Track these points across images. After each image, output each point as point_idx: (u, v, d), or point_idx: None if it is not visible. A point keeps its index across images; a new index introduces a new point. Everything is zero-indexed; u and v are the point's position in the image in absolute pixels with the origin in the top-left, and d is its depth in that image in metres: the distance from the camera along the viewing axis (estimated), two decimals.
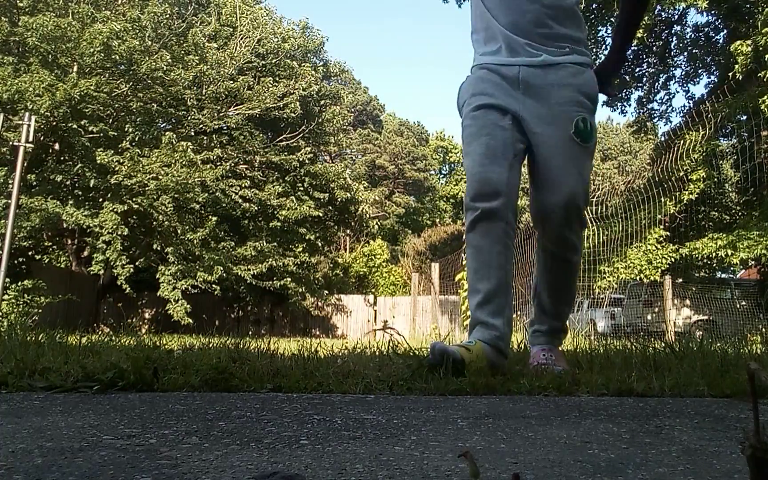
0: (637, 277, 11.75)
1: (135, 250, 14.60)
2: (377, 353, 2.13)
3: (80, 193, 13.65)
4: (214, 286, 14.57)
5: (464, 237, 2.04)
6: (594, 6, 16.31)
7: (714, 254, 11.74)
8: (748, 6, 13.52)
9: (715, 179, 12.61)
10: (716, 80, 16.09)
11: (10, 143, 11.84)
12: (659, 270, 11.63)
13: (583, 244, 2.04)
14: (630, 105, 18.51)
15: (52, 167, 13.27)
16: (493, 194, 1.87)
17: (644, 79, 18.17)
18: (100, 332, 5.43)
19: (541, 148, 1.92)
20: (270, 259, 16.21)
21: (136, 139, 14.04)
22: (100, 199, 13.33)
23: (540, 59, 1.92)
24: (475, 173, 1.93)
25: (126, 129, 14.21)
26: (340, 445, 0.83)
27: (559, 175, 1.89)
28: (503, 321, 1.85)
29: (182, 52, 14.90)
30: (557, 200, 1.88)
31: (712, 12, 15.17)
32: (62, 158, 13.95)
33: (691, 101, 17.69)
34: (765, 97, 10.52)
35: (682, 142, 10.59)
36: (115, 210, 12.77)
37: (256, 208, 16.66)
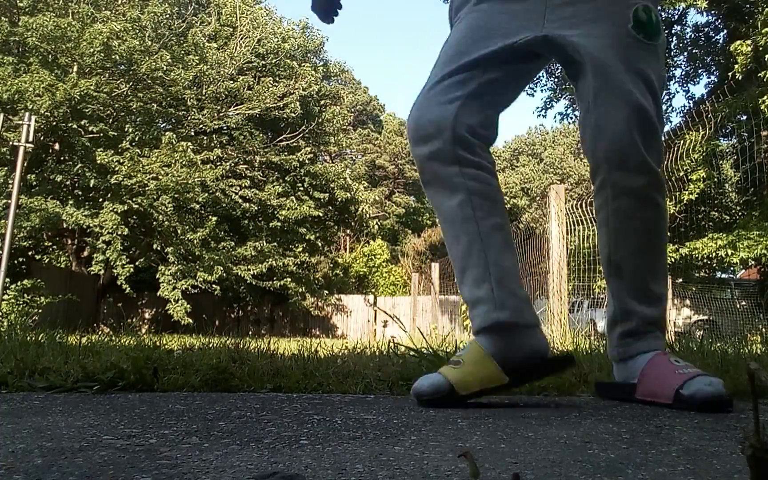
0: None
1: (135, 250, 14.60)
2: (377, 353, 2.13)
3: (80, 193, 13.66)
4: (214, 286, 14.57)
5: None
6: None
7: (714, 254, 11.75)
8: (748, 6, 13.53)
9: (715, 179, 12.61)
10: (716, 80, 16.10)
11: (10, 143, 11.84)
12: None
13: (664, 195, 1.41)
14: None
15: (52, 167, 13.28)
16: (436, 132, 1.36)
17: None
18: (100, 332, 5.43)
19: (586, 58, 1.33)
20: (270, 259, 16.21)
21: (136, 139, 14.04)
22: (100, 199, 13.33)
23: None
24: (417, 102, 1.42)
25: (126, 129, 14.21)
26: (340, 445, 0.83)
27: (618, 84, 1.31)
28: (489, 285, 1.33)
29: (182, 52, 14.90)
30: (620, 116, 1.30)
31: (712, 12, 15.17)
32: (62, 158, 13.96)
33: (691, 101, 17.71)
34: (765, 97, 10.53)
35: (682, 142, 10.58)
36: (115, 210, 12.77)
37: (256, 208, 16.67)
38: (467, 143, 1.37)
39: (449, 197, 1.37)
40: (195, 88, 15.30)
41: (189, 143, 13.79)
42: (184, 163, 13.36)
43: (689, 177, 11.53)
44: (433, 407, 1.22)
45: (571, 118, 18.84)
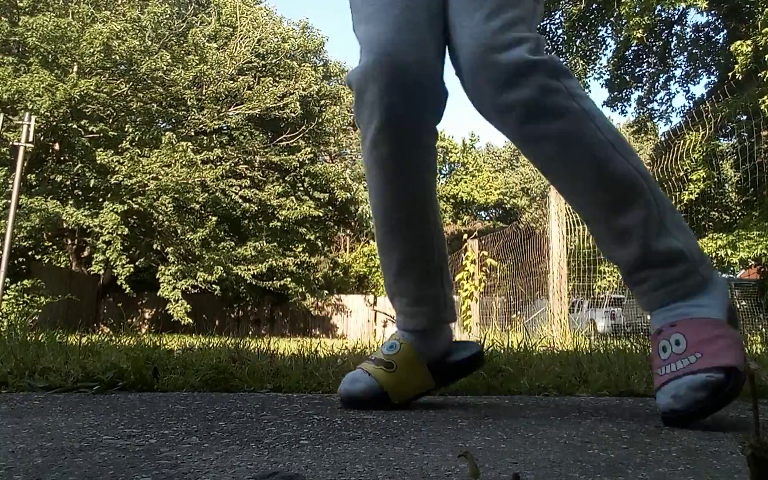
0: None
1: (135, 250, 14.61)
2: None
3: (80, 193, 13.66)
4: (214, 286, 14.58)
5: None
6: (594, 6, 16.31)
7: (714, 254, 11.74)
8: (748, 6, 13.53)
9: (715, 179, 12.61)
10: (716, 80, 16.10)
11: (10, 143, 11.85)
12: None
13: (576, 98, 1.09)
14: (630, 105, 18.53)
15: (52, 167, 13.28)
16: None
17: (644, 79, 18.19)
18: (100, 332, 5.43)
19: None
20: (270, 259, 16.22)
21: (136, 139, 14.04)
22: (100, 199, 13.34)
23: None
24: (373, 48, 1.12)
25: (126, 129, 14.22)
26: (340, 445, 0.83)
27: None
28: (440, 282, 1.22)
29: (182, 52, 14.91)
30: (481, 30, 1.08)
31: (712, 12, 15.18)
32: (62, 158, 13.96)
33: (691, 101, 17.71)
34: (765, 97, 10.53)
35: (682, 142, 10.58)
36: (115, 210, 12.78)
37: (256, 208, 16.68)
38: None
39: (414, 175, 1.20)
40: (195, 88, 15.30)
41: (189, 143, 13.79)
42: (184, 163, 13.36)
43: (689, 177, 11.53)
44: (362, 409, 1.15)
45: None
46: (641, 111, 18.54)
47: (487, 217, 35.12)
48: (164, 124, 15.49)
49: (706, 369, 0.95)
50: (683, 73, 17.99)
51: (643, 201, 1.08)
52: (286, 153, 17.84)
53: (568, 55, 17.58)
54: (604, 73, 18.18)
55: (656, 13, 14.05)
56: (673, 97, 19.14)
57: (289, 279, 17.05)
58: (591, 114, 1.09)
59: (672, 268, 1.07)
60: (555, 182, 1.15)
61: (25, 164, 11.38)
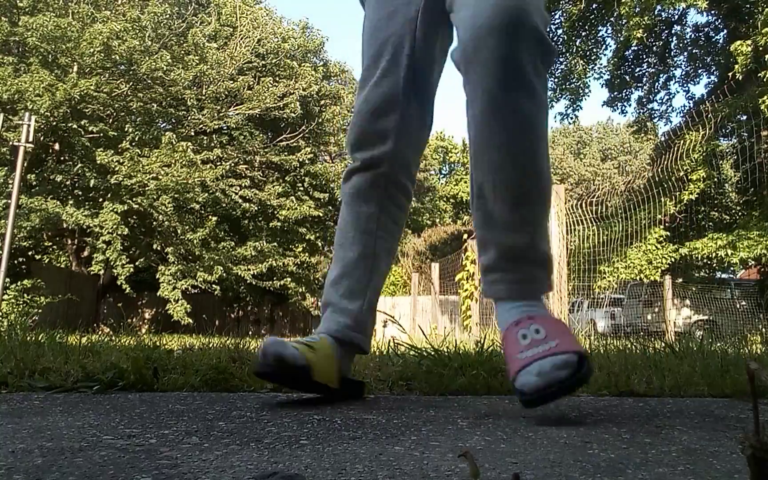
0: (637, 277, 11.75)
1: (135, 250, 14.61)
2: (377, 353, 2.13)
3: (80, 193, 13.67)
4: (214, 286, 14.58)
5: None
6: (594, 6, 16.32)
7: (714, 254, 11.76)
8: (748, 6, 13.53)
9: (715, 179, 12.62)
10: (716, 80, 16.10)
11: (10, 143, 11.85)
12: (659, 270, 11.64)
13: (543, 91, 1.17)
14: (630, 105, 18.54)
15: (52, 167, 13.29)
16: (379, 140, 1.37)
17: (644, 79, 18.19)
18: (100, 332, 5.43)
19: None
20: (270, 259, 16.23)
21: (136, 139, 14.05)
22: (100, 199, 13.34)
23: None
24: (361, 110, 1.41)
25: (126, 129, 14.23)
26: (340, 445, 0.83)
27: None
28: (361, 304, 1.36)
29: (182, 52, 14.91)
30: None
31: (712, 12, 15.18)
32: (62, 158, 13.97)
33: (691, 101, 17.72)
34: (765, 97, 10.53)
35: (682, 142, 10.58)
36: (115, 210, 12.78)
37: (256, 208, 16.68)
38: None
39: (363, 204, 1.40)
40: (195, 88, 15.31)
41: (189, 143, 13.80)
42: (184, 163, 13.37)
43: (689, 177, 11.54)
44: (279, 380, 1.24)
45: (571, 118, 18.84)
46: (641, 111, 18.55)
47: None
48: (164, 124, 15.50)
49: (566, 351, 1.03)
50: (683, 73, 18.01)
51: (546, 200, 1.20)
52: (286, 153, 17.84)
53: (568, 55, 17.59)
54: (604, 73, 18.19)
55: (656, 13, 14.07)
56: (673, 97, 19.15)
57: (289, 279, 17.06)
58: (546, 108, 1.18)
59: (540, 269, 1.19)
60: (489, 152, 1.17)
61: (25, 164, 11.39)
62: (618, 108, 18.45)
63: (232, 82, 16.06)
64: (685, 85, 18.26)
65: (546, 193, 1.19)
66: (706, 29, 16.78)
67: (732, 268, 16.74)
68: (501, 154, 1.15)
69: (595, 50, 17.88)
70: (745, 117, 11.32)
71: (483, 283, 1.25)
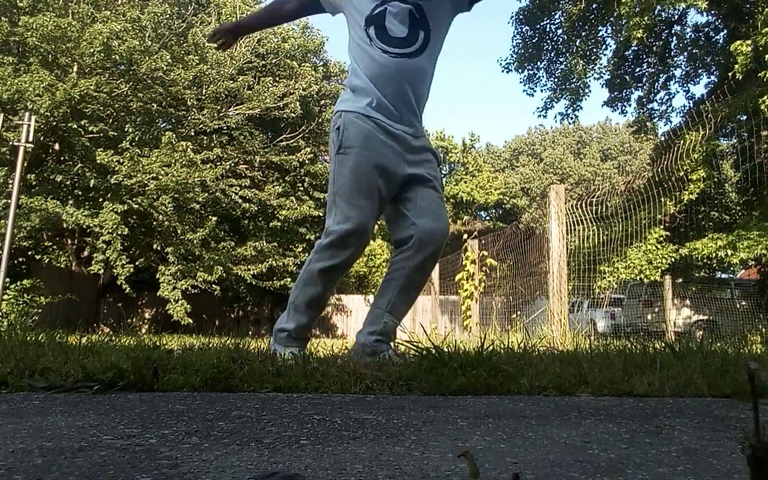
0: (637, 277, 11.75)
1: (135, 250, 14.60)
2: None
3: (80, 193, 13.66)
4: (214, 286, 14.57)
5: (314, 253, 2.40)
6: (594, 6, 16.31)
7: (714, 254, 11.75)
8: (748, 6, 13.53)
9: (715, 179, 12.61)
10: (716, 80, 16.09)
11: (10, 143, 11.84)
12: (659, 270, 11.64)
13: None
14: (630, 105, 18.52)
15: (52, 167, 13.28)
16: (363, 241, 2.42)
17: (644, 79, 18.18)
18: (100, 332, 5.43)
19: (424, 186, 2.42)
20: (270, 259, 16.22)
21: (136, 139, 14.04)
22: (100, 199, 13.33)
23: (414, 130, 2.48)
24: (356, 217, 2.36)
25: (126, 129, 14.21)
26: (340, 445, 0.83)
27: (440, 208, 2.45)
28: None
29: (182, 52, 14.90)
30: (440, 226, 2.39)
31: (712, 12, 15.17)
32: (62, 158, 13.96)
33: (691, 101, 17.70)
34: (765, 97, 10.52)
35: (682, 142, 10.58)
36: (115, 210, 12.77)
37: (256, 208, 16.67)
38: None
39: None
40: (195, 88, 15.29)
41: (189, 143, 13.78)
42: (184, 163, 13.35)
43: (689, 177, 11.53)
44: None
45: (571, 118, 18.84)
46: (641, 111, 18.52)
47: (487, 217, 35.13)
48: (164, 124, 15.48)
49: None
50: (683, 73, 17.99)
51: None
52: (286, 153, 17.83)
53: (568, 55, 17.59)
54: (604, 73, 18.18)
55: (656, 13, 14.06)
56: (673, 97, 19.13)
57: (289, 279, 17.04)
58: None
59: None
60: (414, 291, 2.52)
61: (25, 164, 11.38)
62: (618, 108, 18.44)
63: (232, 82, 16.05)
64: (685, 85, 18.24)
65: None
66: (706, 29, 16.77)
67: (732, 268, 16.74)
68: (417, 293, 2.52)
69: (595, 50, 17.87)
70: (745, 117, 11.31)
71: (375, 342, 2.45)
